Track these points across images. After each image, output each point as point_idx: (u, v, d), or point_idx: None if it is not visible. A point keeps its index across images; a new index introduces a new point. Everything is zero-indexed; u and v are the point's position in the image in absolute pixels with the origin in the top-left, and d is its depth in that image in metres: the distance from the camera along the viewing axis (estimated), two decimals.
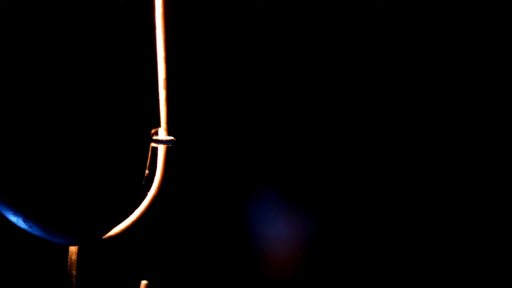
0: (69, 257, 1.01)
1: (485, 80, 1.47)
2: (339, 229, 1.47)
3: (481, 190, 1.46)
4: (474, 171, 1.47)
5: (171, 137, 0.98)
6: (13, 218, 0.94)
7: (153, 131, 0.96)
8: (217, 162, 1.49)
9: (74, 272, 1.02)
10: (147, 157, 0.96)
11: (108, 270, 1.35)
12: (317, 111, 1.48)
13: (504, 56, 1.46)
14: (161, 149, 0.98)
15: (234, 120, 1.49)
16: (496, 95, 1.47)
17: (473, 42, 1.46)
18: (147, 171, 0.96)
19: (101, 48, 0.91)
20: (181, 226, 1.46)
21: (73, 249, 1.01)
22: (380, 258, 1.46)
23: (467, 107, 1.47)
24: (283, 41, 1.46)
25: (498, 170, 1.47)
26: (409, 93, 1.48)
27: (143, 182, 0.95)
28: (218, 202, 1.47)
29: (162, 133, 0.98)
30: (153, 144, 0.96)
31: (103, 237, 1.01)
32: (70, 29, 0.90)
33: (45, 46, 0.90)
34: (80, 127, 0.90)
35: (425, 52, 1.47)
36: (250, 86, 1.48)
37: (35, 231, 0.95)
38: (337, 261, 1.46)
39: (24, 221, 0.93)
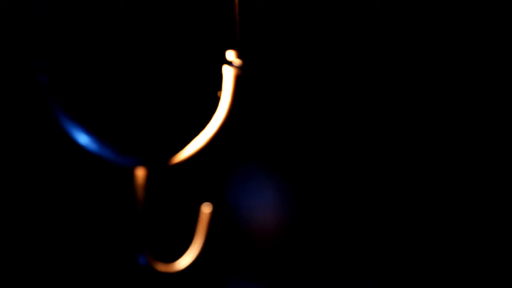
0: (136, 180, 1.02)
1: (485, 80, 1.45)
2: (320, 206, 1.46)
3: (475, 190, 1.46)
4: (469, 171, 1.46)
5: (239, 61, 0.97)
6: (84, 140, 0.95)
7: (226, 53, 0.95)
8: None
9: (141, 195, 1.03)
10: (216, 81, 0.95)
11: (173, 195, 1.37)
12: (305, 94, 1.45)
13: (504, 56, 1.44)
14: (230, 73, 0.97)
15: None
16: (496, 95, 1.45)
17: (473, 42, 1.44)
18: (220, 92, 0.96)
19: None
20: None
21: (140, 173, 1.02)
22: (360, 233, 1.46)
23: (467, 107, 1.45)
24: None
25: (498, 170, 1.45)
26: (405, 92, 1.46)
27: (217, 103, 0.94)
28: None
29: (232, 56, 0.97)
30: (224, 67, 0.95)
31: (171, 161, 1.01)
32: None
33: None
34: (153, 48, 0.90)
35: (425, 52, 1.45)
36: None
37: (105, 153, 0.96)
38: (318, 237, 1.46)
39: (95, 142, 0.94)
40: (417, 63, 1.46)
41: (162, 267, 1.08)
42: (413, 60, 1.46)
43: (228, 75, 0.97)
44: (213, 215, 1.10)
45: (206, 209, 1.10)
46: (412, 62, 1.46)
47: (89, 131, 0.94)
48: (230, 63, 0.96)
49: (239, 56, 0.97)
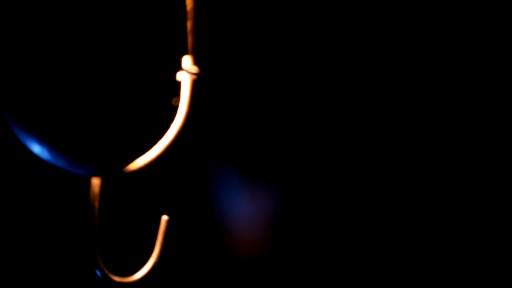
0: (91, 190, 1.00)
1: (485, 80, 1.45)
2: (305, 205, 1.46)
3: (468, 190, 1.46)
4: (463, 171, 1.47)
5: (196, 68, 0.95)
6: (37, 149, 0.93)
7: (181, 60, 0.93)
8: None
9: (96, 205, 1.00)
10: (171, 88, 0.93)
11: (130, 204, 1.34)
12: (285, 91, 1.45)
13: (504, 56, 1.44)
14: (187, 80, 0.96)
15: None
16: (496, 95, 1.45)
17: (473, 42, 1.45)
18: (175, 99, 0.94)
19: None
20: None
21: (95, 182, 1.00)
22: (345, 233, 1.45)
23: (467, 107, 1.45)
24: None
25: (498, 170, 1.45)
26: (404, 92, 1.47)
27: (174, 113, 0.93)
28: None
29: (188, 63, 0.95)
30: (179, 74, 0.93)
31: (127, 170, 0.99)
32: None
33: None
34: (105, 55, 0.88)
35: (425, 52, 1.45)
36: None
37: (58, 162, 0.94)
38: (303, 238, 1.45)
39: (48, 150, 0.92)
40: (416, 65, 1.46)
41: (118, 279, 1.05)
42: (412, 61, 1.46)
43: (184, 81, 0.96)
44: (174, 224, 1.08)
45: (164, 218, 1.08)
46: (411, 64, 1.46)
47: (42, 139, 0.92)
48: (186, 70, 0.94)
49: (195, 62, 0.96)
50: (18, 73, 0.89)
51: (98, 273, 1.02)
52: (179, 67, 0.94)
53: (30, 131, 0.91)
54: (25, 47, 0.88)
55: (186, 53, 0.94)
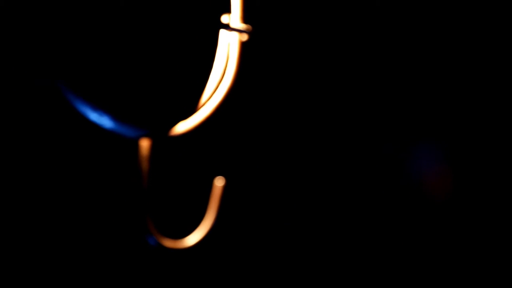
0: (140, 152, 0.98)
1: (485, 80, 1.43)
2: None
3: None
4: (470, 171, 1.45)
5: (246, 25, 0.91)
6: (87, 111, 0.91)
7: (224, 17, 0.88)
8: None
9: (145, 167, 0.98)
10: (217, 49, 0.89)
11: (181, 167, 1.33)
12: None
13: (504, 56, 1.43)
14: (235, 39, 0.92)
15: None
16: (496, 95, 1.44)
17: (473, 42, 1.43)
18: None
19: None
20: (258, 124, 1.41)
21: (144, 144, 0.98)
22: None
23: (466, 107, 1.44)
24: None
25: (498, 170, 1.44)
26: (406, 93, 1.44)
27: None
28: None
29: (236, 21, 0.91)
30: (224, 32, 0.89)
31: (175, 132, 0.97)
32: None
33: None
34: (148, 15, 0.85)
35: (425, 52, 1.43)
36: None
37: (108, 124, 0.92)
38: None
39: (98, 113, 0.90)
40: (416, 64, 1.44)
41: (170, 244, 1.03)
42: (412, 61, 1.44)
43: (233, 41, 0.92)
44: (225, 188, 1.05)
45: (218, 182, 1.06)
46: (411, 63, 1.44)
47: (91, 102, 0.90)
48: (235, 29, 0.90)
49: (244, 20, 0.91)
50: (68, 39, 0.88)
51: (151, 238, 1.00)
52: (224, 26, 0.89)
53: (80, 95, 0.90)
54: (75, 16, 0.86)
55: (228, 11, 0.89)
